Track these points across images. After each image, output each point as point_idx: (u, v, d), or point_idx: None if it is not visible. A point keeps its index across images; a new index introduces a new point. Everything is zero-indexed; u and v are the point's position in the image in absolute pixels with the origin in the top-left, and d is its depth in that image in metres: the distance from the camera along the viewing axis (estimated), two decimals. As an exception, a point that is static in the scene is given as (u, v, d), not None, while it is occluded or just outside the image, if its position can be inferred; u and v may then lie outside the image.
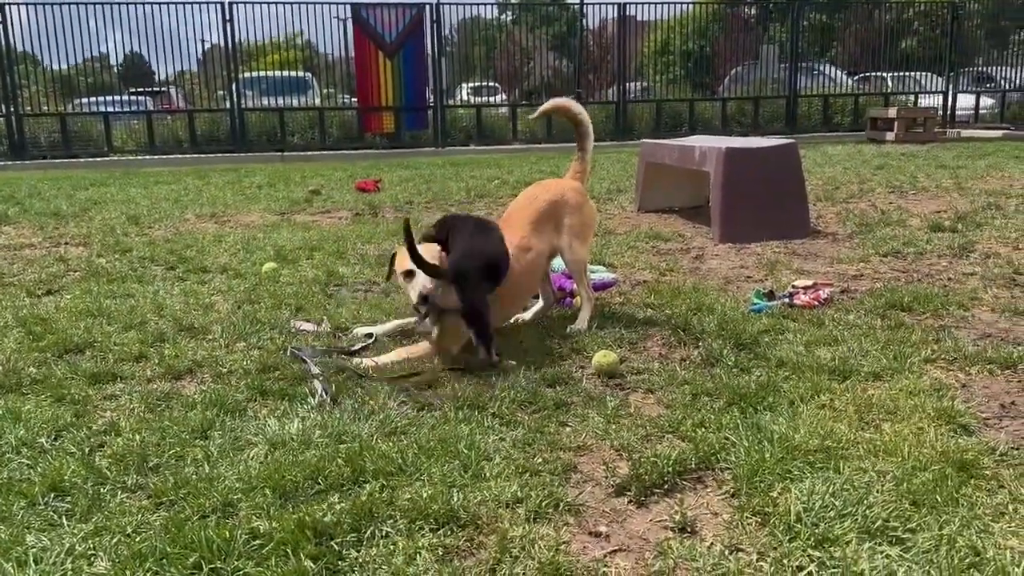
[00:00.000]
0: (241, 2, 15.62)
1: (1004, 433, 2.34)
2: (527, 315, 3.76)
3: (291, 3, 16.14)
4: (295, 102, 16.59)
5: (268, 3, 15.92)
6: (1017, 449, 2.22)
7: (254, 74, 16.98)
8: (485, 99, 18.08)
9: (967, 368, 2.86)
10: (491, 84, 18.91)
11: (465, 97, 17.85)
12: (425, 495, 1.98)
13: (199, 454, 2.30)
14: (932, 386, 2.67)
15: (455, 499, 1.97)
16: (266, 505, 1.98)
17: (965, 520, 1.82)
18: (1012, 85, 18.52)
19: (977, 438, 2.28)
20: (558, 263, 4.52)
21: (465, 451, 2.23)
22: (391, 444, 2.30)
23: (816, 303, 3.73)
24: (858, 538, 1.76)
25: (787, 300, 3.77)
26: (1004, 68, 18.99)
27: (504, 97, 18.77)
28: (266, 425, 2.49)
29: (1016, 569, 1.62)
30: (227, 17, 15.48)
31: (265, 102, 16.52)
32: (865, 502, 1.90)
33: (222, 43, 15.78)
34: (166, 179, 11.00)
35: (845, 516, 1.84)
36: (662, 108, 17.82)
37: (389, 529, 1.87)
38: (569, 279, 4.06)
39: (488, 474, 2.12)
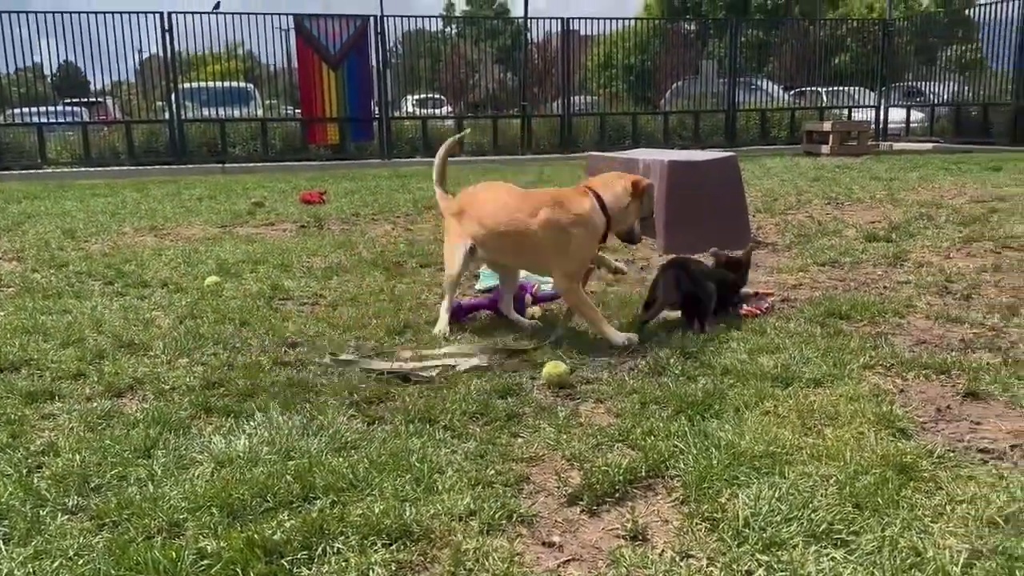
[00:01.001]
0: (180, 12, 15.35)
1: (940, 436, 2.42)
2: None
3: (232, 13, 15.93)
4: (236, 113, 16.33)
5: (208, 13, 15.67)
6: (953, 451, 2.30)
7: (194, 84, 16.66)
8: (431, 111, 18.08)
9: (904, 374, 2.96)
10: (436, 96, 18.92)
11: (411, 109, 17.82)
12: (377, 510, 1.96)
13: (142, 473, 2.25)
14: (871, 392, 2.75)
15: (407, 513, 1.96)
16: (213, 524, 1.94)
17: (906, 521, 1.88)
18: (940, 99, 19.24)
19: (915, 442, 2.36)
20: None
21: (417, 465, 2.22)
22: (341, 459, 2.27)
23: (759, 312, 3.82)
24: (804, 541, 1.81)
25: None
26: (932, 83, 19.73)
27: (450, 109, 18.79)
28: (211, 442, 2.44)
29: (955, 568, 1.68)
30: (166, 27, 15.19)
31: (205, 113, 16.22)
32: (810, 506, 1.94)
33: (161, 53, 15.47)
34: (103, 192, 10.72)
35: (791, 520, 1.89)
36: (606, 121, 18.04)
37: (341, 545, 1.85)
38: (521, 290, 4.08)
39: (441, 487, 2.12)
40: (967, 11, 22.05)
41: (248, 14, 15.89)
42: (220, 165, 15.14)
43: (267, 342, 3.54)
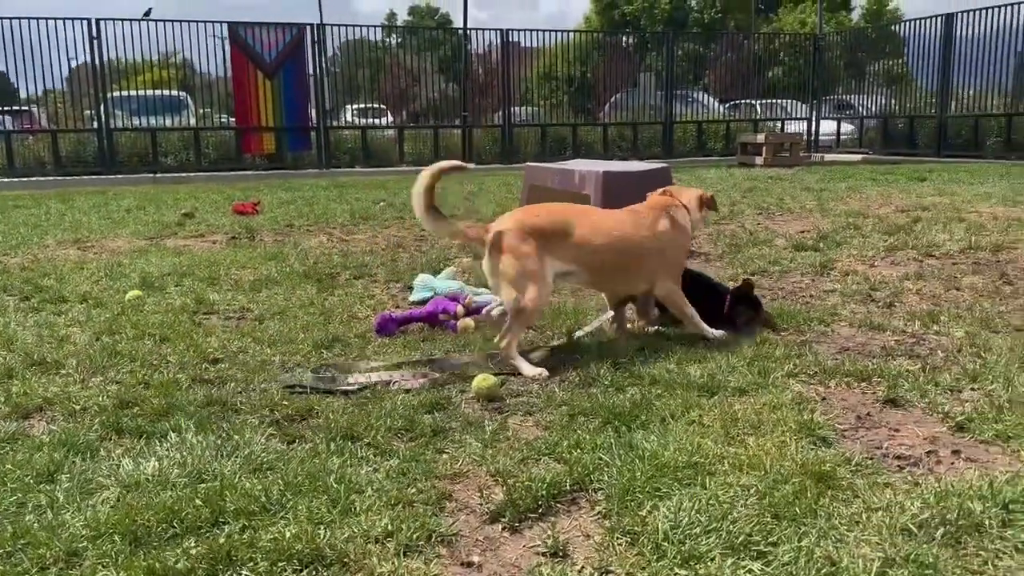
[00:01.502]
0: (110, 19, 14.95)
1: (859, 444, 2.45)
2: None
3: (165, 21, 15.58)
4: (169, 122, 15.95)
5: (138, 20, 15.29)
6: (871, 459, 2.33)
7: (124, 93, 16.22)
8: (371, 120, 17.94)
9: (827, 381, 3.00)
10: (377, 106, 18.79)
11: (350, 118, 17.64)
12: (289, 534, 1.89)
13: (43, 500, 2.13)
14: (794, 400, 2.78)
15: (321, 537, 1.89)
16: (115, 553, 1.85)
17: (823, 531, 1.89)
18: (869, 112, 19.87)
19: (835, 449, 2.39)
20: (444, 285, 4.50)
21: (334, 485, 2.15)
22: (256, 481, 2.19)
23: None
24: (722, 554, 1.80)
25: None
26: (862, 96, 20.37)
27: (391, 119, 18.68)
28: (120, 466, 2.34)
29: (867, 576, 1.69)
30: (94, 34, 14.77)
31: (136, 122, 15.82)
32: (729, 517, 1.94)
33: (90, 61, 15.04)
34: (26, 203, 10.33)
35: (711, 532, 1.88)
36: (547, 132, 18.16)
37: (248, 572, 1.77)
38: (454, 301, 4.04)
39: (358, 508, 2.05)
40: (894, 27, 22.88)
41: (182, 21, 15.57)
42: (151, 175, 14.76)
43: (187, 358, 3.42)
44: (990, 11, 16.06)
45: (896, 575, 1.70)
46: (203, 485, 2.17)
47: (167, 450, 2.45)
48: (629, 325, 3.84)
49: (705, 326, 3.60)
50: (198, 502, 2.06)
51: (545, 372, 3.20)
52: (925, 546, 1.81)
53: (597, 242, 3.43)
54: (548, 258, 3.33)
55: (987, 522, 1.90)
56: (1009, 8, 15.75)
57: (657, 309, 3.82)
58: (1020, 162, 14.52)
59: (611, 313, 3.82)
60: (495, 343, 3.36)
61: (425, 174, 3.28)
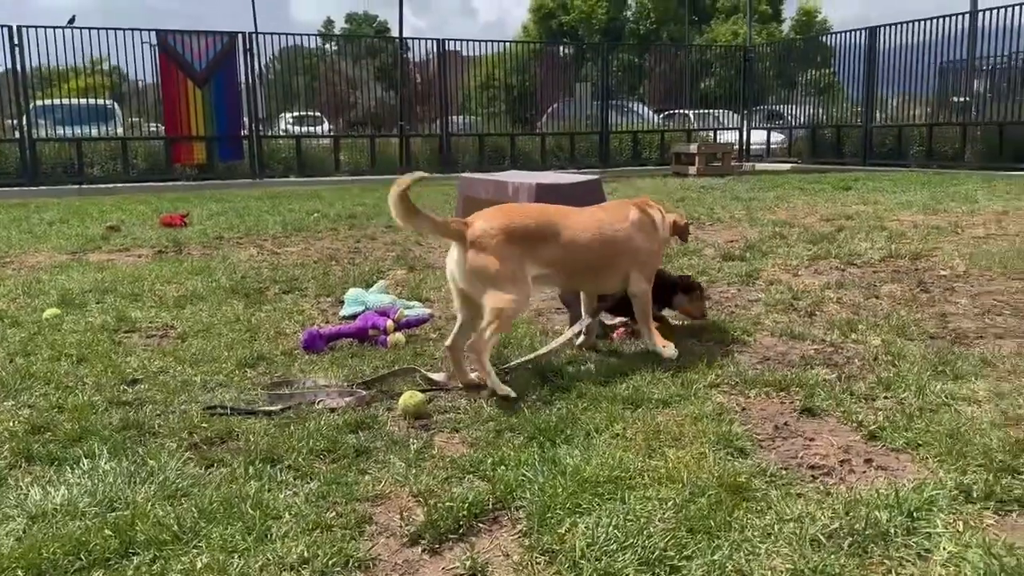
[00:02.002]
0: (32, 26, 14.47)
1: (775, 454, 2.51)
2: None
3: (90, 28, 15.14)
4: (96, 131, 15.50)
5: (64, 27, 14.84)
6: (786, 469, 2.38)
7: (49, 102, 15.70)
8: (308, 129, 17.73)
9: (747, 391, 3.06)
10: (314, 114, 18.59)
11: (286, 127, 17.41)
12: (200, 564, 1.84)
13: (-59, 536, 2.04)
14: (715, 411, 2.83)
15: (234, 566, 1.85)
16: (16, 590, 1.78)
17: (735, 543, 1.92)
18: (798, 122, 20.44)
19: (751, 460, 2.44)
20: (376, 299, 4.45)
21: (250, 511, 2.10)
22: (169, 509, 2.13)
23: (623, 335, 3.87)
24: (637, 570, 1.82)
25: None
26: (791, 106, 20.96)
27: (329, 127, 18.49)
28: (28, 495, 2.25)
29: (776, 588, 1.73)
30: (15, 41, 14.28)
31: (61, 131, 15.32)
32: (646, 532, 1.96)
33: (11, 68, 14.53)
34: (-60, 216, 9.91)
35: (627, 548, 1.90)
36: (485, 142, 18.20)
37: (156, 605, 1.73)
38: (384, 316, 4.00)
39: (274, 535, 2.02)
40: (822, 38, 23.61)
41: (108, 29, 15.16)
42: (77, 186, 14.32)
43: (104, 380, 3.31)
44: (912, 24, 16.71)
45: (804, 586, 1.74)
46: (114, 514, 2.11)
47: (78, 478, 2.37)
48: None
49: (660, 344, 3.50)
50: (107, 532, 1.99)
51: (513, 393, 3.04)
52: (833, 556, 1.86)
53: (577, 240, 3.38)
54: (528, 261, 3.26)
55: (892, 531, 1.97)
56: (931, 22, 16.42)
57: (621, 318, 3.84)
58: (941, 171, 15.12)
59: (579, 326, 3.66)
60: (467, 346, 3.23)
61: (402, 181, 3.24)
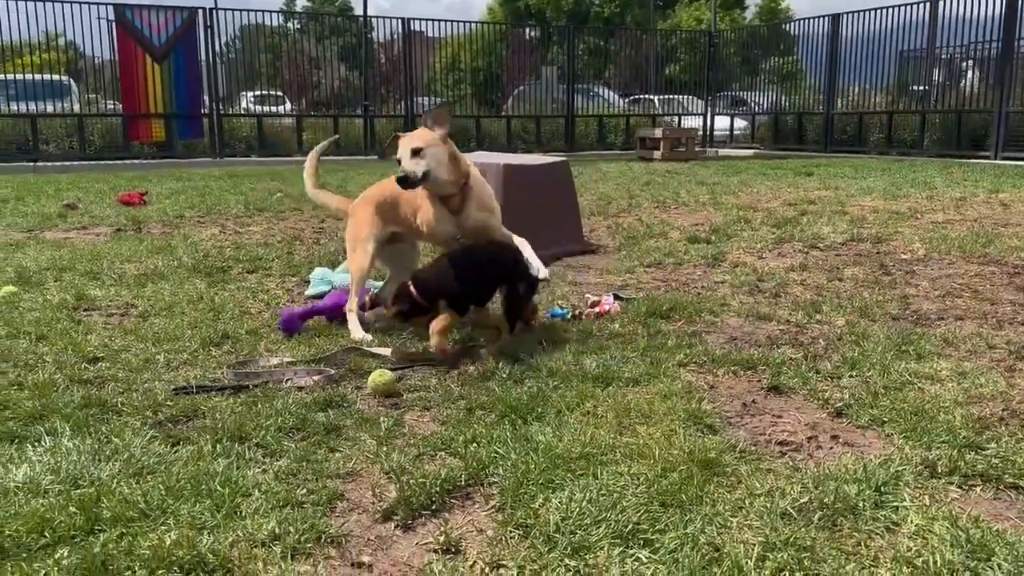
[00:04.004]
0: (-19, -4, 14.02)
1: (744, 431, 2.54)
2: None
3: (47, 1, 14.66)
4: (51, 108, 15.07)
5: (16, 0, 14.38)
6: (755, 445, 2.41)
7: (1, 77, 15.22)
8: (270, 108, 17.44)
9: (715, 370, 3.09)
10: (276, 93, 18.29)
11: (247, 106, 17.10)
12: (169, 541, 1.81)
13: None
14: (684, 389, 2.85)
15: (204, 542, 1.82)
16: (-24, 569, 1.73)
17: (707, 517, 1.94)
18: (761, 108, 20.63)
19: (721, 436, 2.46)
20: (342, 279, 4.40)
21: (219, 488, 2.07)
22: (135, 486, 2.09)
23: (597, 314, 3.87)
24: (611, 543, 1.82)
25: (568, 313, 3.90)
26: (755, 93, 21.15)
27: (291, 107, 18.20)
28: (-13, 473, 2.19)
29: (749, 562, 1.75)
30: (-36, 12, 13.82)
31: (15, 107, 14.88)
32: (619, 506, 1.97)
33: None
34: None
35: (600, 522, 1.90)
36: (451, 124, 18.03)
37: (125, 582, 1.69)
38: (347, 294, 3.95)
39: (244, 511, 1.99)
40: (785, 26, 23.81)
41: (64, 2, 14.71)
42: (32, 164, 13.93)
43: (64, 358, 3.23)
44: (874, 12, 16.93)
45: (776, 559, 1.76)
46: (78, 491, 2.06)
47: (40, 455, 2.31)
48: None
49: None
50: (72, 509, 1.95)
51: (369, 337, 3.46)
52: (803, 529, 1.88)
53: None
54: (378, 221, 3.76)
55: (861, 504, 2.00)
56: (891, 10, 16.64)
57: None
58: (900, 158, 15.38)
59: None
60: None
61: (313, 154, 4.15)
